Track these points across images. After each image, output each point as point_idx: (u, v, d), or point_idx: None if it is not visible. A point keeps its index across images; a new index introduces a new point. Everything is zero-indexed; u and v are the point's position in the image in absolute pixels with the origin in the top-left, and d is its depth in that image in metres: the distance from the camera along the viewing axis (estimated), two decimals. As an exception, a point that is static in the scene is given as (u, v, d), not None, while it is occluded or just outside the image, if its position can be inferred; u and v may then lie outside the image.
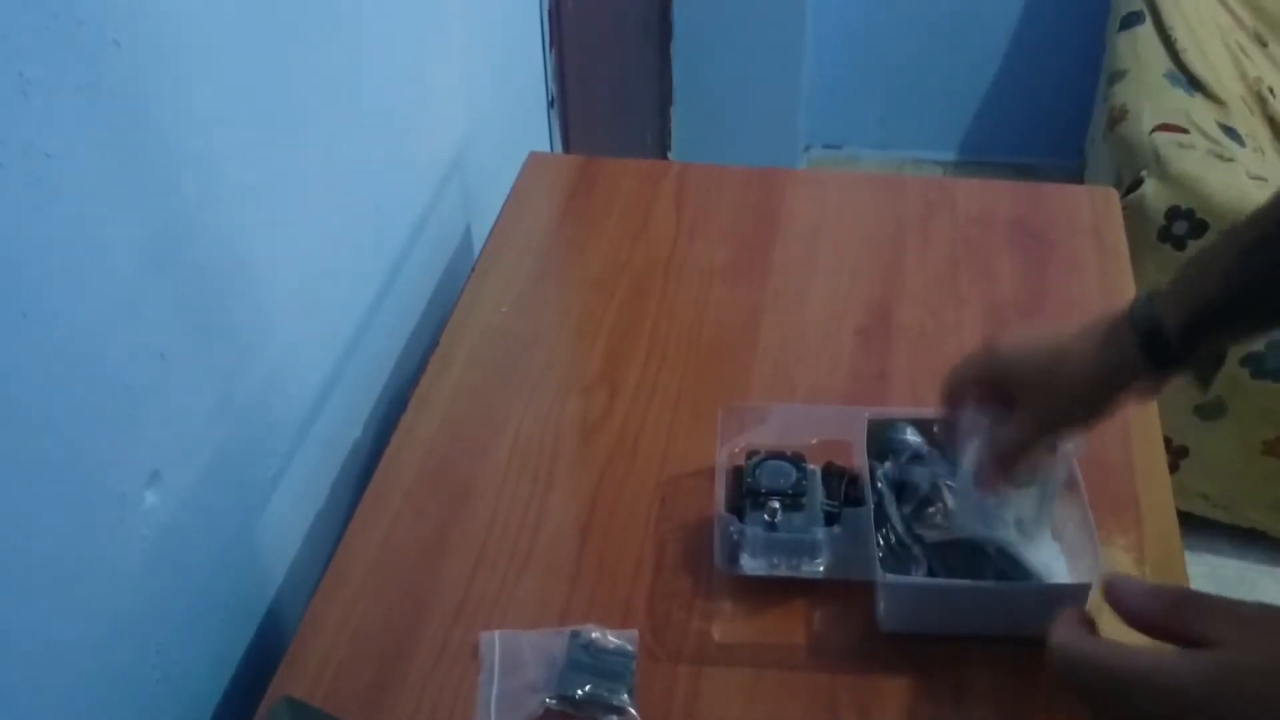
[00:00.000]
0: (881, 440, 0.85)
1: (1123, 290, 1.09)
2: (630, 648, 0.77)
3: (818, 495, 0.84)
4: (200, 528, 0.78)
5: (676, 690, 0.77)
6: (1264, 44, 2.23)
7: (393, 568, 0.85)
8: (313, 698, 0.75)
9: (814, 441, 0.87)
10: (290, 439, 0.91)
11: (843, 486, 0.84)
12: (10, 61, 0.55)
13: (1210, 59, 2.05)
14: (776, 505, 0.82)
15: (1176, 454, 1.89)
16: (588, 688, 0.74)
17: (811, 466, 0.85)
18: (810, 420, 0.90)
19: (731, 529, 0.82)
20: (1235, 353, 1.83)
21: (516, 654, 0.77)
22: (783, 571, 0.82)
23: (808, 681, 0.77)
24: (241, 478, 0.84)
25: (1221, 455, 1.90)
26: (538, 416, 0.97)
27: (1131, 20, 2.15)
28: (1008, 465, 0.77)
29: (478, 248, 1.23)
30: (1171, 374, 0.72)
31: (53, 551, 0.63)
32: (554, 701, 0.74)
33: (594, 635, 0.77)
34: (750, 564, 0.82)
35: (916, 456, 0.85)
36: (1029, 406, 0.75)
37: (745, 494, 0.84)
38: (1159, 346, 0.70)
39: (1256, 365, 1.83)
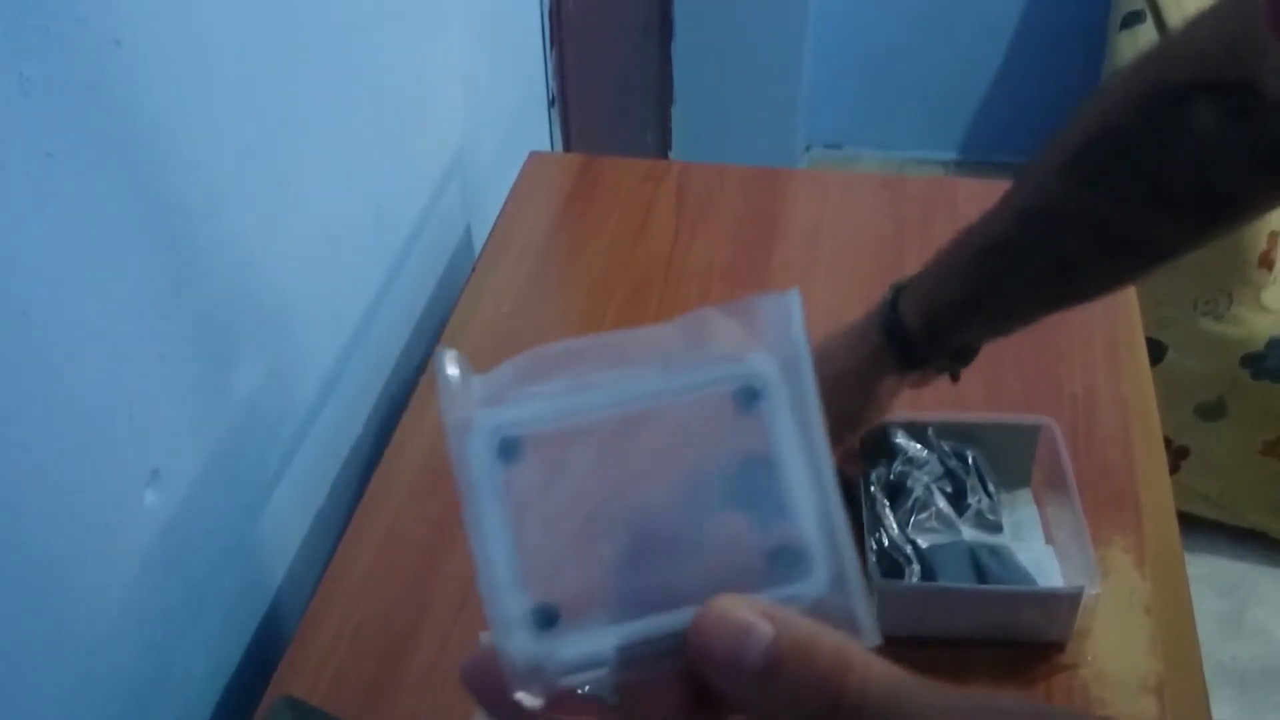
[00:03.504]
0: (875, 444, 0.85)
1: (1123, 290, 1.09)
2: (630, 648, 0.77)
3: None
4: (200, 527, 0.78)
5: (676, 690, 0.76)
6: (1265, 44, 2.23)
7: (393, 567, 0.85)
8: (312, 697, 0.75)
9: None
10: (290, 438, 0.91)
11: None
12: (11, 61, 0.55)
13: (1211, 59, 2.05)
14: None
15: (1177, 454, 1.89)
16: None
17: None
18: None
19: None
20: (1235, 353, 1.83)
21: (516, 654, 0.77)
22: None
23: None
24: (242, 477, 0.84)
25: (1222, 456, 1.90)
26: (538, 416, 0.97)
27: (1132, 20, 2.15)
28: None
29: (478, 247, 1.23)
30: (923, 368, 0.73)
31: (52, 551, 0.63)
32: (554, 701, 0.74)
33: (594, 635, 0.77)
34: None
35: (910, 461, 0.85)
36: None
37: None
38: (906, 345, 0.72)
39: (1256, 366, 1.83)
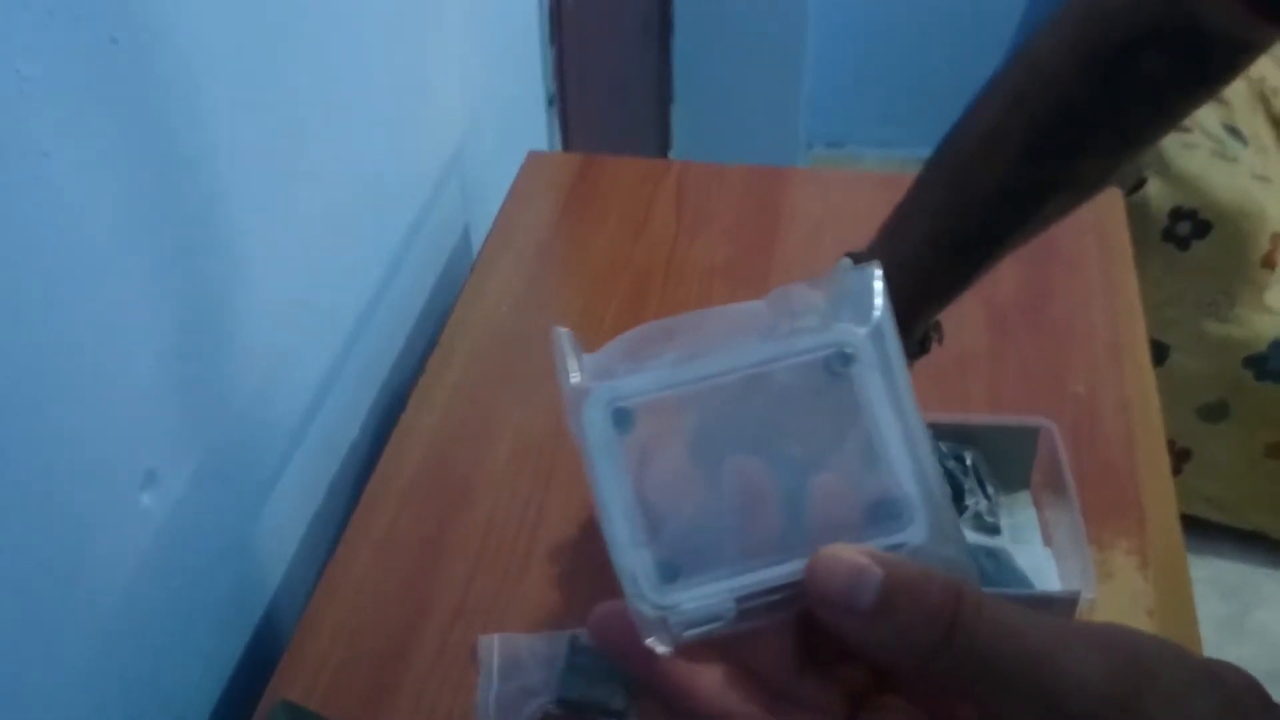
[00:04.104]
0: None
1: (1125, 291, 1.09)
2: (630, 651, 0.77)
3: None
4: (197, 529, 0.78)
5: (676, 693, 0.76)
6: (1267, 44, 2.23)
7: (391, 569, 0.85)
8: (310, 700, 0.75)
9: None
10: (288, 439, 0.90)
11: None
12: (8, 59, 0.55)
13: (1213, 59, 2.05)
14: None
15: (1179, 457, 1.89)
16: (587, 691, 0.73)
17: None
18: None
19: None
20: (1238, 354, 1.82)
21: (515, 657, 0.77)
22: None
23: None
24: (238, 478, 0.83)
25: (1225, 458, 1.90)
26: (537, 416, 0.96)
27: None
28: None
29: (476, 247, 1.22)
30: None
31: (49, 552, 0.62)
32: (552, 705, 0.73)
33: (593, 638, 0.77)
34: None
35: None
36: None
37: None
38: (918, 351, 0.75)
39: (1260, 368, 1.82)
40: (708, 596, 0.31)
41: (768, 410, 0.32)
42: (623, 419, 0.31)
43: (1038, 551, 0.82)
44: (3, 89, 0.55)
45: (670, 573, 0.31)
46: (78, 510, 0.65)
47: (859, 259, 0.75)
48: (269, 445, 0.88)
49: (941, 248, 0.73)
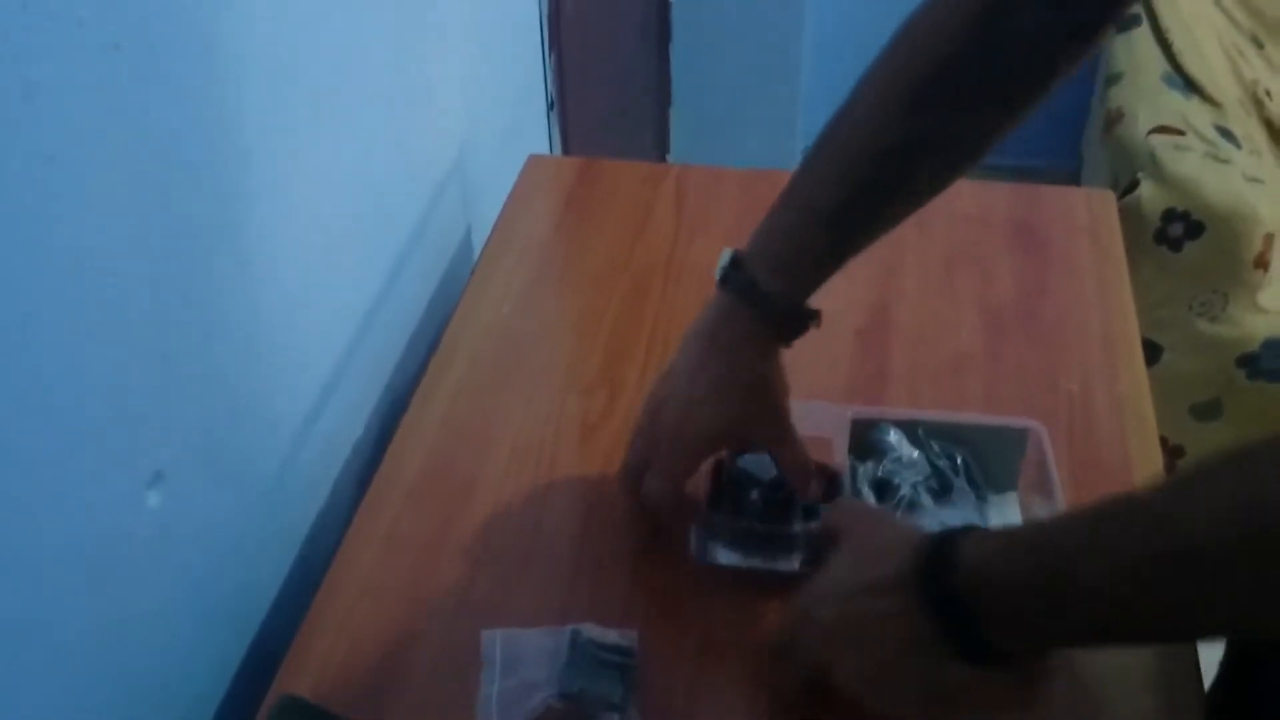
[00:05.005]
0: (865, 441, 0.86)
1: (1119, 292, 1.10)
2: (630, 645, 0.77)
3: None
4: (202, 527, 0.78)
5: (677, 688, 0.77)
6: (1260, 46, 2.24)
7: (394, 567, 0.85)
8: (314, 696, 0.76)
9: None
10: (292, 438, 0.91)
11: (822, 484, 0.85)
12: (11, 64, 0.56)
13: (1207, 61, 2.06)
14: (756, 498, 0.82)
15: (1173, 455, 1.90)
16: (588, 686, 0.74)
17: None
18: (794, 417, 0.89)
19: (708, 521, 0.83)
20: (1231, 354, 1.84)
21: (517, 652, 0.77)
22: (758, 565, 0.82)
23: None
24: (244, 477, 0.84)
25: (1218, 456, 1.90)
26: (538, 416, 0.97)
27: (1128, 23, 2.16)
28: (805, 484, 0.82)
29: (477, 249, 1.23)
30: (794, 331, 0.79)
31: (54, 552, 0.63)
32: (555, 699, 0.74)
33: (594, 633, 0.77)
34: (726, 556, 0.82)
35: (899, 460, 0.85)
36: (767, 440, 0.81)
37: (725, 487, 0.84)
38: (777, 311, 0.77)
39: (1252, 367, 1.84)
40: None
41: None
42: None
43: None
44: (8, 94, 0.56)
45: None
46: (84, 511, 0.65)
47: (737, 254, 0.79)
48: (274, 444, 0.89)
49: (820, 215, 0.75)
